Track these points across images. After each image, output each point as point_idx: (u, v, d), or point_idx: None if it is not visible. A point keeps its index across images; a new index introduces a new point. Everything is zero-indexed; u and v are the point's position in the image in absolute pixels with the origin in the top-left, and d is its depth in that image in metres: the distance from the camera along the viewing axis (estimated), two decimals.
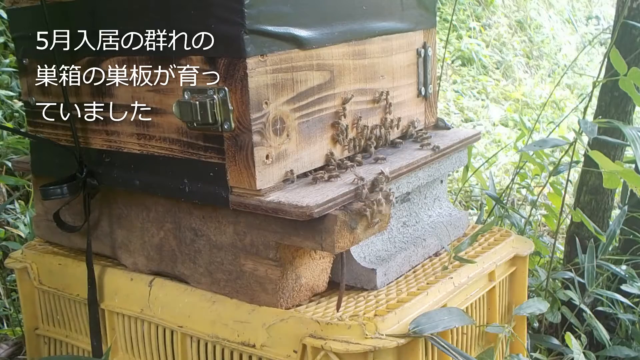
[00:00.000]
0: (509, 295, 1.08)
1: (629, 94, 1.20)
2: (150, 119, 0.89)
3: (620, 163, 1.23)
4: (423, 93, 1.05)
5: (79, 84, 0.97)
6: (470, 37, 4.28)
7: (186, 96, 0.82)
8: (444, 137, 1.04)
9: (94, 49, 0.93)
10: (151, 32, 0.85)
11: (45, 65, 1.00)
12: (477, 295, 0.97)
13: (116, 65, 0.91)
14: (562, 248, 1.62)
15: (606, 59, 1.40)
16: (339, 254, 0.85)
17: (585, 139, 1.37)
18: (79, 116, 0.98)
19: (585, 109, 1.37)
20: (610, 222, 1.47)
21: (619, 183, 1.21)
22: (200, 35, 0.79)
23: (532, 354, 1.27)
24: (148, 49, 0.86)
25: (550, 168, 1.40)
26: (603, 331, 1.28)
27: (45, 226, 1.12)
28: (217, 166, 0.82)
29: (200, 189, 0.85)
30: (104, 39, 0.91)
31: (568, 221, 1.60)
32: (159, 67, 0.86)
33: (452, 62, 4.00)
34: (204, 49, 0.80)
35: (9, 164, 1.80)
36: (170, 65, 0.84)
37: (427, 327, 0.79)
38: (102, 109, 0.95)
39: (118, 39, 0.89)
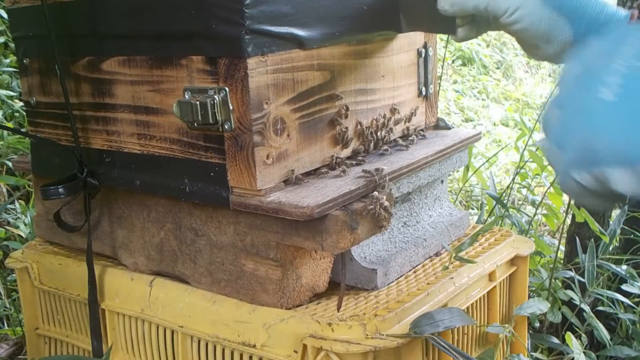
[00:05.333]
0: (510, 295, 1.08)
1: None
2: (150, 119, 0.89)
3: None
4: (424, 93, 1.05)
5: (79, 83, 0.97)
6: None
7: (186, 96, 0.82)
8: (445, 137, 1.04)
9: (94, 48, 0.93)
10: (151, 32, 0.85)
11: (46, 65, 1.01)
12: (477, 295, 0.97)
13: (116, 65, 0.91)
14: (562, 248, 1.62)
15: None
16: (340, 254, 0.85)
17: None
18: (79, 116, 0.98)
19: None
20: (611, 222, 1.47)
21: None
22: (201, 35, 0.79)
23: (532, 353, 1.27)
24: (148, 48, 0.86)
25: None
26: (603, 331, 1.28)
27: (46, 226, 1.12)
28: (218, 166, 0.82)
29: (201, 189, 0.85)
30: (104, 38, 0.91)
31: (569, 221, 1.60)
32: (159, 67, 0.86)
33: (453, 62, 4.00)
34: (204, 49, 0.80)
35: (10, 164, 1.80)
36: (171, 65, 0.84)
37: (428, 327, 0.79)
38: (102, 109, 0.95)
39: (118, 38, 0.89)
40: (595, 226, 1.29)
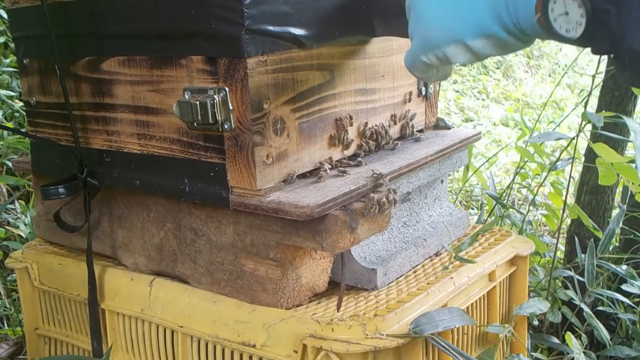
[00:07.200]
0: (510, 295, 1.08)
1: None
2: (150, 119, 0.89)
3: (622, 158, 1.23)
4: (423, 93, 1.05)
5: (79, 83, 0.97)
6: None
7: (186, 96, 0.82)
8: (445, 137, 1.04)
9: (94, 48, 0.93)
10: (151, 32, 0.85)
11: (46, 65, 1.01)
12: (477, 295, 0.97)
13: (116, 65, 0.91)
14: (563, 248, 1.62)
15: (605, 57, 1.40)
16: (340, 254, 0.85)
17: (588, 134, 1.37)
18: (79, 116, 0.98)
19: (586, 104, 1.37)
20: (610, 221, 1.47)
21: (615, 179, 1.20)
22: (201, 35, 0.79)
23: (532, 353, 1.27)
24: (148, 48, 0.86)
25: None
26: (603, 331, 1.28)
27: (46, 226, 1.12)
28: (218, 166, 0.82)
29: (201, 189, 0.85)
30: (104, 38, 0.91)
31: (569, 221, 1.60)
32: (159, 67, 0.86)
33: None
34: (204, 48, 0.80)
35: (10, 164, 1.80)
36: (170, 65, 0.84)
37: (428, 327, 0.79)
38: (102, 109, 0.95)
39: (118, 38, 0.89)
40: (588, 221, 1.29)
